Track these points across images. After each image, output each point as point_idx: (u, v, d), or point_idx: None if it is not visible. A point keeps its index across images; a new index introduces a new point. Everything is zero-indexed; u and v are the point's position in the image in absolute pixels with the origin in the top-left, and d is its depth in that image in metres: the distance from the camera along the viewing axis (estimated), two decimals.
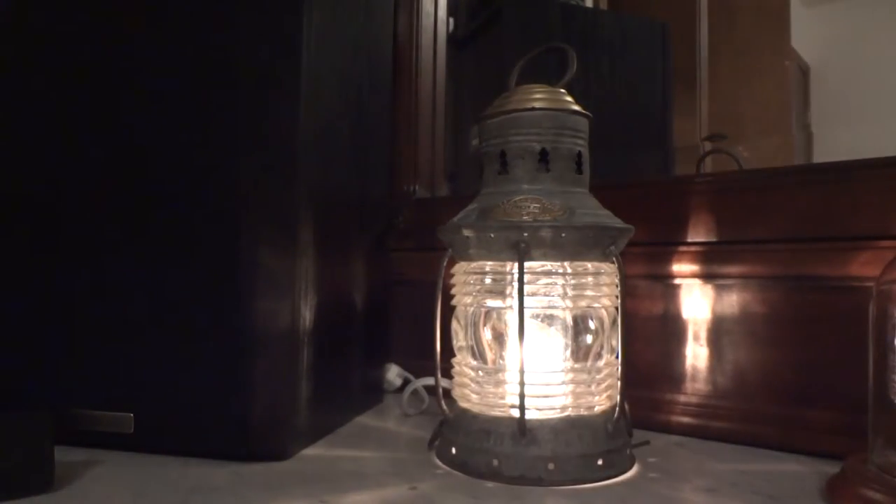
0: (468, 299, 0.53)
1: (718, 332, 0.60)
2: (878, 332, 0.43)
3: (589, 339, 0.51)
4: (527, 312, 0.49)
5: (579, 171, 0.52)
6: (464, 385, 0.53)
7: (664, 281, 0.63)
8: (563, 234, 0.48)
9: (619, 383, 0.50)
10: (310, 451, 0.54)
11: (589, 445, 0.48)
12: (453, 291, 0.54)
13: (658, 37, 1.13)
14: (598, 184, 0.54)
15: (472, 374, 0.52)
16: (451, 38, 0.94)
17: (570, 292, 0.50)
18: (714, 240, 0.61)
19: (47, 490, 0.43)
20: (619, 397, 0.50)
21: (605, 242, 0.49)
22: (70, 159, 0.55)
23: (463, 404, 0.53)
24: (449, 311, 0.55)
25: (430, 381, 0.57)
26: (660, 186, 0.67)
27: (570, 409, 0.50)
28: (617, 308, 0.51)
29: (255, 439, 0.51)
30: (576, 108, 0.52)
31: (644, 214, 0.61)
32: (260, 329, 0.51)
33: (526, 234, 0.48)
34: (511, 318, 0.51)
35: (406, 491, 0.45)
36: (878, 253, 0.51)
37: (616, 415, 0.50)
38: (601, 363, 0.52)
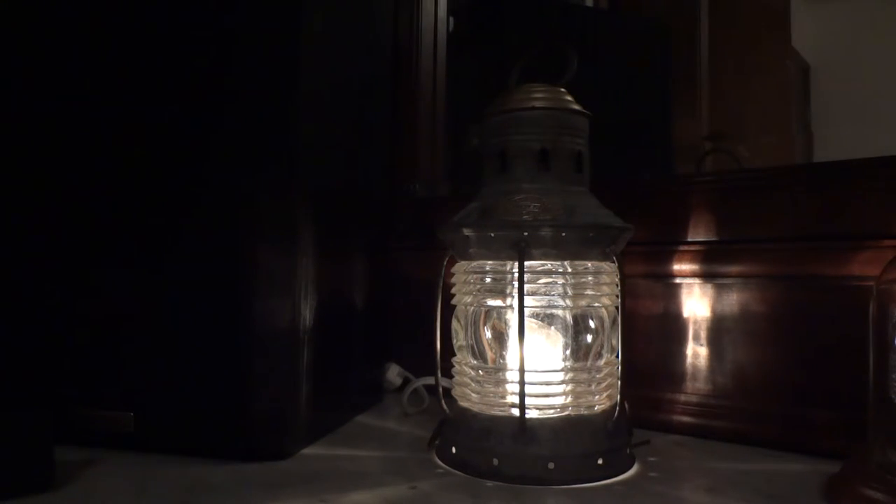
0: (468, 298, 0.53)
1: (718, 331, 0.60)
2: (878, 331, 0.43)
3: (589, 338, 0.51)
4: (527, 312, 0.49)
5: (579, 170, 0.52)
6: (464, 384, 0.53)
7: (664, 280, 0.63)
8: (564, 234, 0.48)
9: (619, 382, 0.50)
10: (310, 451, 0.54)
11: (589, 445, 0.48)
12: (453, 291, 0.54)
13: (658, 37, 1.13)
14: (598, 183, 0.54)
15: (473, 373, 0.52)
16: (451, 38, 0.94)
17: (570, 291, 0.50)
18: (714, 239, 0.61)
19: (47, 490, 0.43)
20: (619, 396, 0.50)
21: (605, 242, 0.49)
22: (70, 160, 0.55)
23: (463, 403, 0.53)
24: (449, 310, 0.55)
25: (430, 380, 0.57)
26: (660, 186, 0.67)
27: (570, 408, 0.50)
28: (617, 307, 0.51)
29: (256, 438, 0.51)
30: (576, 107, 0.52)
31: (644, 214, 0.61)
32: (260, 329, 0.51)
33: (526, 234, 0.48)
34: (511, 317, 0.51)
35: (406, 490, 0.45)
36: (878, 252, 0.51)
37: (616, 414, 0.50)
38: (601, 362, 0.52)
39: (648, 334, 0.64)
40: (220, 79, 0.52)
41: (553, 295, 0.51)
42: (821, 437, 0.53)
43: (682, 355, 0.62)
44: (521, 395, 0.47)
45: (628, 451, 0.51)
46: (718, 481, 0.48)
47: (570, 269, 0.50)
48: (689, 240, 0.62)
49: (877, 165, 0.54)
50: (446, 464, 0.51)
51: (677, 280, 0.63)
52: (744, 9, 1.18)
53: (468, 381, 0.52)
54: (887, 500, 0.39)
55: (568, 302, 0.51)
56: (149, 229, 0.53)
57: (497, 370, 0.51)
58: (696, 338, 0.62)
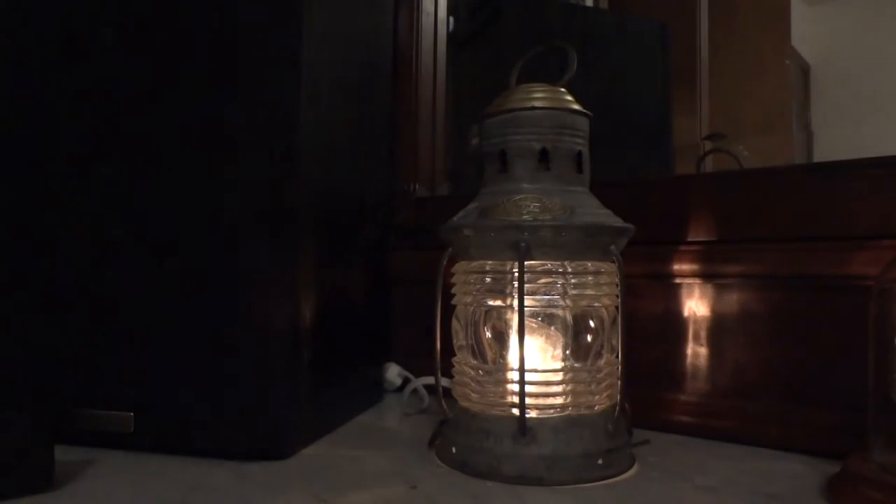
0: (468, 298, 0.53)
1: (718, 331, 0.60)
2: (878, 331, 0.43)
3: (589, 338, 0.51)
4: (527, 311, 0.49)
5: (579, 170, 0.52)
6: (464, 384, 0.53)
7: (664, 280, 0.63)
8: (564, 234, 0.48)
9: (619, 382, 0.50)
10: (310, 450, 0.54)
11: (589, 445, 0.48)
12: (453, 291, 0.54)
13: (658, 37, 1.13)
14: (599, 183, 0.54)
15: (473, 373, 0.52)
16: (451, 38, 0.94)
17: (570, 291, 0.50)
18: (714, 239, 0.61)
19: (47, 490, 0.43)
20: (619, 396, 0.50)
21: (605, 241, 0.49)
22: (70, 159, 0.55)
23: (463, 403, 0.53)
24: (449, 310, 0.55)
25: (430, 380, 0.57)
26: (660, 186, 0.67)
27: (570, 408, 0.50)
28: (617, 307, 0.51)
29: (255, 438, 0.51)
30: (576, 107, 0.52)
31: (644, 214, 0.61)
32: (260, 329, 0.51)
33: (526, 234, 0.48)
34: (511, 317, 0.51)
35: (406, 490, 0.45)
36: (878, 252, 0.51)
37: (616, 414, 0.50)
38: (601, 362, 0.52)
39: (648, 334, 0.64)
40: (222, 77, 0.52)
41: (553, 295, 0.50)
42: (821, 437, 0.53)
43: (682, 355, 0.62)
44: (521, 395, 0.47)
45: (628, 450, 0.51)
46: (719, 481, 0.48)
47: (570, 269, 0.50)
48: (689, 240, 0.62)
49: (876, 165, 0.54)
50: (446, 464, 0.51)
51: (677, 280, 0.63)
52: (744, 9, 1.18)
53: (468, 381, 0.52)
54: (887, 500, 0.39)
55: (568, 302, 0.51)
56: (148, 229, 0.53)
57: (497, 370, 0.51)
58: (696, 338, 0.62)
